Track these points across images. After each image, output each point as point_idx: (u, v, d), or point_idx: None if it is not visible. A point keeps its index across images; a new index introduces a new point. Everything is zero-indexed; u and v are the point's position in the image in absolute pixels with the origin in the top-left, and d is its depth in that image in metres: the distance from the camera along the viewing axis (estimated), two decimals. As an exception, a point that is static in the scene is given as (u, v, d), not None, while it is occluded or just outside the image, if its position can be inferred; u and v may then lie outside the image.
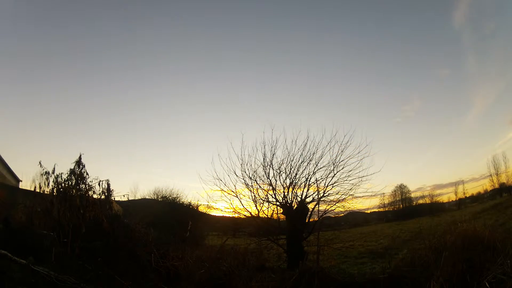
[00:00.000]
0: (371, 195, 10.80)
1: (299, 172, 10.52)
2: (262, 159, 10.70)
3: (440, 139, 58.20)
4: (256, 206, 10.90)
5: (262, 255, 10.18)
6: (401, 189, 42.26)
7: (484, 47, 47.35)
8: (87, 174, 7.56)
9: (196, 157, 49.83)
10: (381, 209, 42.35)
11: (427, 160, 59.04)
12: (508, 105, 45.69)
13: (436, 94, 55.42)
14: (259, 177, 10.70)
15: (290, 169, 10.54)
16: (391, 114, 58.33)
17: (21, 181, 16.30)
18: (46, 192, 7.12)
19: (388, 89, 56.26)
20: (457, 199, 41.68)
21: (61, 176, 7.28)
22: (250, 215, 11.24)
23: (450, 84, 54.30)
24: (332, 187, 10.40)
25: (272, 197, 10.72)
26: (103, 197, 7.76)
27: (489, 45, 46.74)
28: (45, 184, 7.15)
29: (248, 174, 10.69)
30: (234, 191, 10.73)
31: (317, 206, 10.53)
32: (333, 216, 11.42)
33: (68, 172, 7.37)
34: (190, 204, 19.98)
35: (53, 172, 7.22)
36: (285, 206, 10.51)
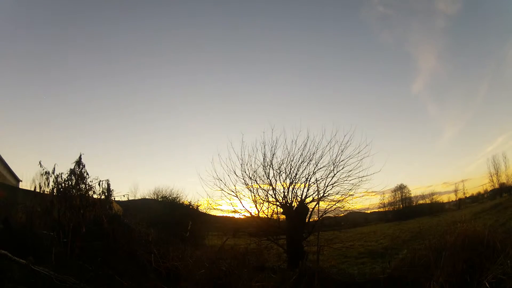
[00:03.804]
0: (371, 195, 10.84)
1: (299, 172, 10.55)
2: (262, 159, 10.74)
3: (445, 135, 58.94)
4: (256, 206, 10.93)
5: (262, 255, 10.19)
6: (401, 189, 42.29)
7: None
8: (87, 174, 7.54)
9: (196, 157, 49.92)
10: (381, 209, 42.31)
11: (432, 158, 59.69)
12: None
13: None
14: (259, 177, 10.73)
15: (290, 169, 10.57)
16: (391, 112, 58.64)
17: (21, 181, 16.31)
18: (46, 192, 7.10)
19: (387, 87, 56.67)
20: (457, 199, 41.70)
21: (61, 176, 7.26)
22: (250, 215, 11.25)
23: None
24: (332, 187, 10.43)
25: (272, 197, 10.75)
26: (103, 197, 7.74)
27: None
28: (45, 184, 7.13)
29: (248, 174, 10.72)
30: (234, 191, 10.77)
31: (317, 206, 10.55)
32: (333, 216, 11.43)
33: (68, 172, 7.35)
34: (190, 204, 19.99)
35: (53, 172, 7.20)
36: (285, 206, 10.51)
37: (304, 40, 54.10)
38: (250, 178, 10.69)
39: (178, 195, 21.45)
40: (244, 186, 10.80)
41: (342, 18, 52.53)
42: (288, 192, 10.55)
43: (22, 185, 15.18)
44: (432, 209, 36.10)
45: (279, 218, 11.24)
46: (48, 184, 7.12)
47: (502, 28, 47.11)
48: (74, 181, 7.31)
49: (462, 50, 52.77)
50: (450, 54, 52.75)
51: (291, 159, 10.58)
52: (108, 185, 7.80)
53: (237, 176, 10.77)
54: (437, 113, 56.64)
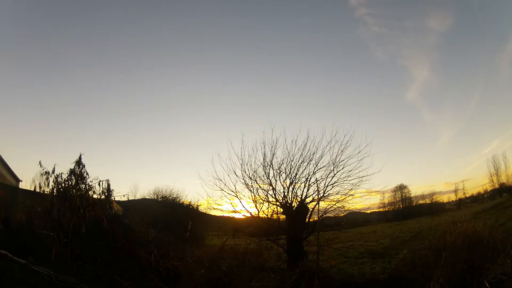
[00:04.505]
0: (371, 195, 10.84)
1: (299, 172, 10.53)
2: (262, 159, 10.71)
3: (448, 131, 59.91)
4: (256, 206, 10.92)
5: (262, 255, 10.18)
6: (401, 189, 42.32)
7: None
8: (87, 174, 7.53)
9: (196, 157, 49.98)
10: (381, 209, 42.35)
11: (429, 160, 60.56)
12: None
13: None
14: (259, 177, 10.71)
15: (290, 169, 10.55)
16: (391, 111, 59.37)
17: (21, 181, 16.30)
18: (46, 192, 7.10)
19: (383, 94, 57.83)
20: (457, 199, 41.73)
21: (61, 176, 7.25)
22: (250, 215, 11.25)
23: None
24: (332, 187, 10.41)
25: (272, 197, 10.73)
26: (103, 197, 7.74)
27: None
28: (45, 184, 7.11)
29: (248, 174, 10.70)
30: (234, 191, 10.75)
31: (317, 206, 10.53)
32: (333, 216, 11.41)
33: (68, 172, 7.35)
34: (190, 204, 20.04)
35: (53, 172, 7.19)
36: (285, 206, 10.50)
37: (304, 44, 54.89)
38: (250, 178, 10.68)
39: (178, 195, 21.51)
40: (244, 186, 10.79)
41: (340, 37, 55.83)
42: (288, 192, 10.55)
43: (22, 185, 15.18)
44: (432, 209, 36.17)
45: (279, 218, 11.23)
46: (48, 184, 7.12)
47: (493, 38, 50.34)
48: (74, 181, 7.31)
49: (454, 62, 56.08)
50: (443, 66, 56.05)
51: (291, 159, 10.57)
52: (108, 185, 7.81)
53: (237, 176, 10.76)
54: (432, 118, 59.70)
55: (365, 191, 10.62)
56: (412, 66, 56.69)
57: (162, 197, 21.97)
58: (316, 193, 10.42)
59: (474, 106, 55.86)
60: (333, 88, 57.86)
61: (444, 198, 42.74)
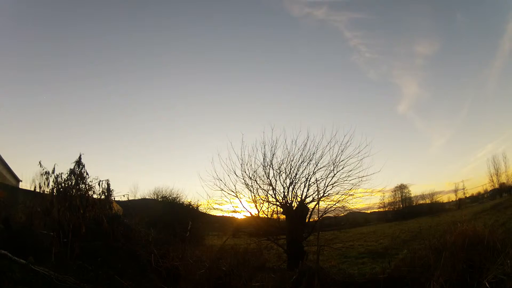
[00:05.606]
0: (371, 195, 10.84)
1: (299, 172, 10.54)
2: (262, 159, 10.72)
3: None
4: (256, 206, 10.92)
5: (262, 255, 10.17)
6: (401, 189, 42.32)
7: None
8: (87, 174, 7.53)
9: (196, 157, 50.01)
10: (381, 209, 42.32)
11: (424, 163, 61.71)
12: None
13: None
14: (259, 177, 10.71)
15: (290, 169, 10.55)
16: (384, 121, 60.38)
17: (21, 181, 16.34)
18: (46, 192, 7.10)
19: (376, 108, 58.91)
20: (457, 199, 41.73)
21: (61, 176, 7.25)
22: (250, 215, 11.25)
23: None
24: (332, 187, 10.41)
25: (272, 197, 10.73)
26: (103, 197, 7.74)
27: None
28: (45, 184, 7.11)
29: (248, 174, 10.70)
30: (234, 191, 10.74)
31: (317, 206, 10.53)
32: (333, 216, 11.41)
33: (68, 172, 7.35)
34: (190, 204, 20.00)
35: (53, 172, 7.19)
36: (285, 206, 10.50)
37: (303, 39, 55.39)
38: (250, 178, 10.68)
39: (178, 195, 21.46)
40: (244, 186, 10.79)
41: (336, 61, 58.61)
42: (288, 192, 10.55)
43: (22, 185, 15.21)
44: (432, 209, 36.12)
45: (279, 218, 11.23)
46: (48, 184, 7.11)
47: (480, 56, 53.71)
48: (74, 181, 7.31)
49: (442, 80, 59.51)
50: (431, 83, 59.24)
51: (291, 159, 10.57)
52: (108, 185, 7.80)
53: (237, 176, 10.76)
54: (424, 126, 62.57)
55: (365, 191, 10.63)
56: (402, 84, 61.14)
57: (162, 197, 21.95)
58: (316, 193, 10.42)
59: (464, 115, 59.41)
60: (329, 97, 60.08)
61: (444, 198, 42.82)
